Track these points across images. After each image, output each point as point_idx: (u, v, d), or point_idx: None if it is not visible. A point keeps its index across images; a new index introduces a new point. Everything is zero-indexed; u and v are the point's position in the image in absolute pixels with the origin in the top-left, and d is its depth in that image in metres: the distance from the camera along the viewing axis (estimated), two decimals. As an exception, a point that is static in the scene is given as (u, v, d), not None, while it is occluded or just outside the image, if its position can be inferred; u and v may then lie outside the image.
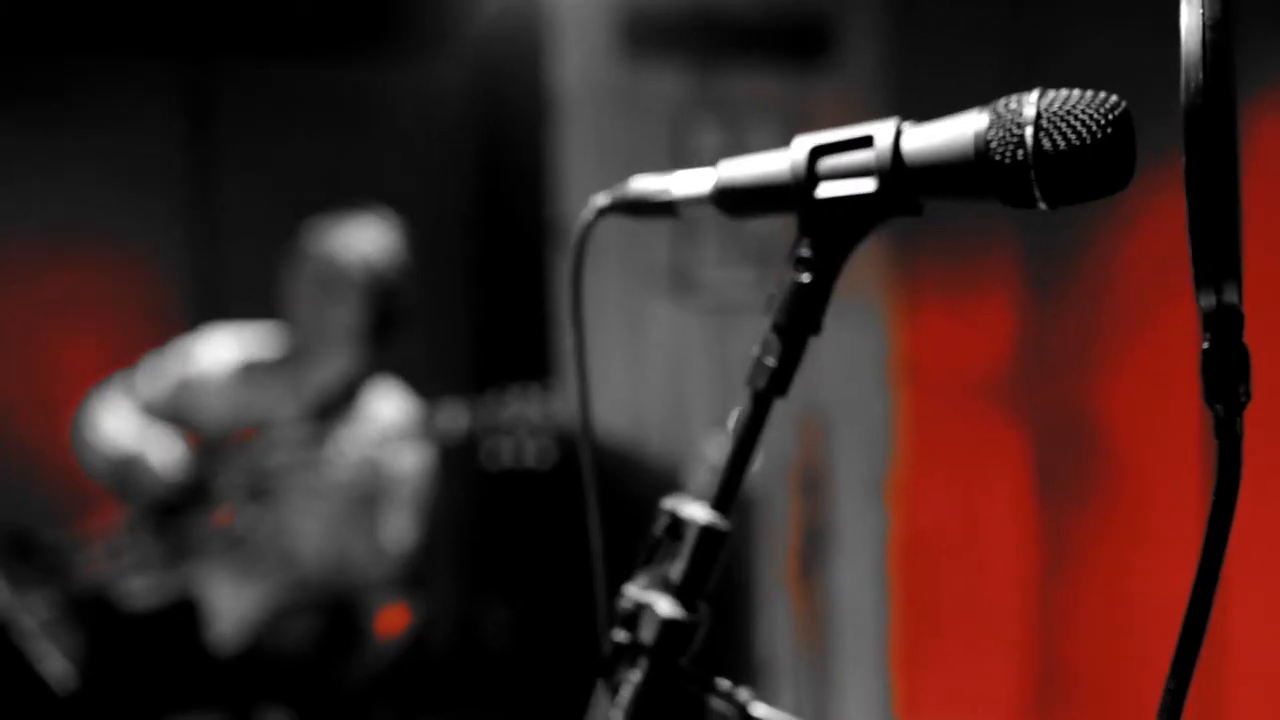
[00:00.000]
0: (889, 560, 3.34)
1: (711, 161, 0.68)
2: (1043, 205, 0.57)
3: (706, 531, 0.62)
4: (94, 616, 2.12)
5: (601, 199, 0.74)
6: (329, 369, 2.19)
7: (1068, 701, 3.25)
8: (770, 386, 0.62)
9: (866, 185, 0.59)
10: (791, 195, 0.62)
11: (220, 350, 2.20)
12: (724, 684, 0.65)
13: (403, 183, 3.51)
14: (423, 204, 3.58)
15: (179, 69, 3.39)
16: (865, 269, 3.21)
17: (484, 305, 3.74)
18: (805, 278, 0.62)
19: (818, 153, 0.61)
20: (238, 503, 2.09)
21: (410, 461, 2.15)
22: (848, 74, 3.19)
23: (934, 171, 0.58)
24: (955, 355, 3.34)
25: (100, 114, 3.31)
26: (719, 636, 1.81)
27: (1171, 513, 2.74)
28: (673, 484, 2.15)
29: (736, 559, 1.69)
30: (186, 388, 2.19)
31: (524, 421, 1.86)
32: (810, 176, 0.61)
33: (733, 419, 0.63)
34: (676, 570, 0.63)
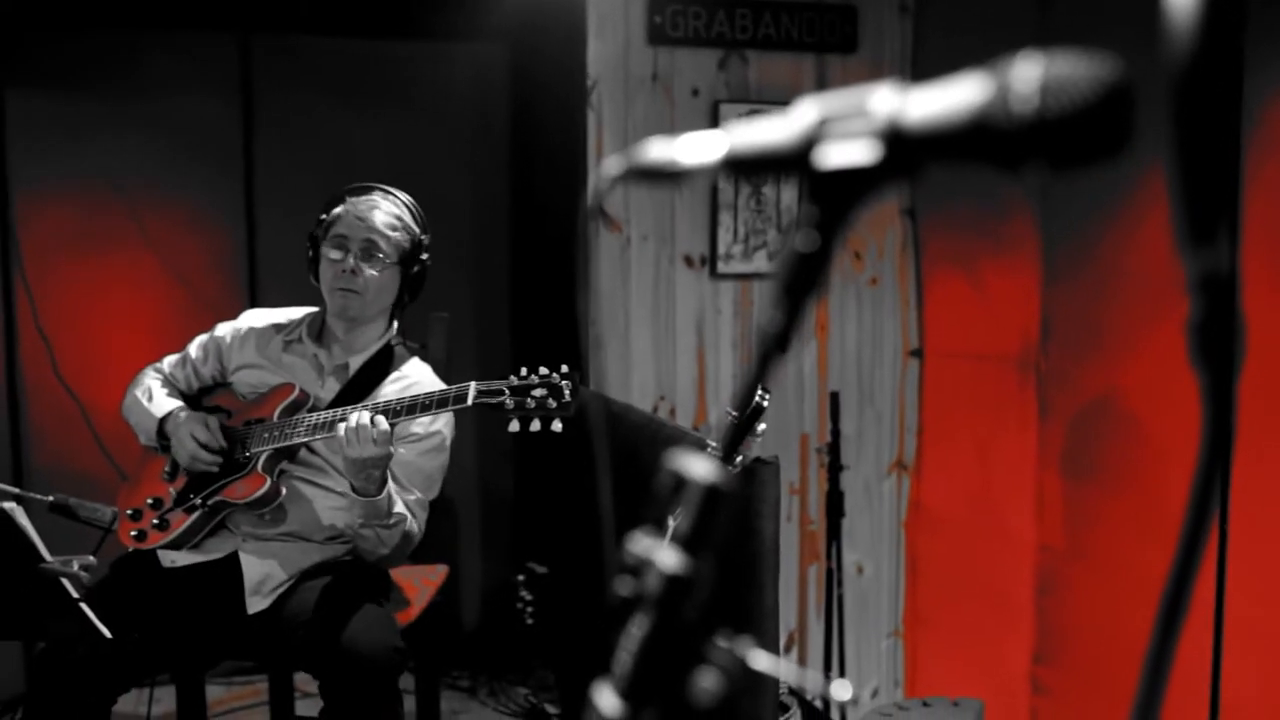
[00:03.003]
0: (904, 530, 3.36)
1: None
2: (1043, 170, 0.57)
3: (709, 486, 0.64)
4: (138, 574, 2.19)
5: (614, 167, 0.75)
6: (357, 343, 2.24)
7: (1068, 669, 3.24)
8: (773, 345, 0.64)
9: (868, 151, 0.60)
10: (796, 161, 0.63)
11: (259, 327, 2.31)
12: (726, 635, 0.67)
13: (440, 159, 3.55)
14: (459, 181, 3.61)
15: (230, 43, 3.46)
16: (884, 248, 3.21)
17: (518, 286, 3.76)
18: (809, 241, 0.63)
19: (821, 118, 0.62)
20: (267, 470, 2.14)
21: (432, 430, 2.19)
22: (875, 59, 3.19)
23: (935, 137, 0.59)
24: (971, 331, 3.34)
25: (155, 83, 3.39)
26: (739, 602, 1.82)
27: (1181, 488, 2.72)
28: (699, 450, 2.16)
29: (755, 527, 1.70)
30: (226, 361, 2.31)
31: (546, 405, 1.86)
32: (813, 142, 0.62)
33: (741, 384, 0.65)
34: (680, 525, 0.65)
